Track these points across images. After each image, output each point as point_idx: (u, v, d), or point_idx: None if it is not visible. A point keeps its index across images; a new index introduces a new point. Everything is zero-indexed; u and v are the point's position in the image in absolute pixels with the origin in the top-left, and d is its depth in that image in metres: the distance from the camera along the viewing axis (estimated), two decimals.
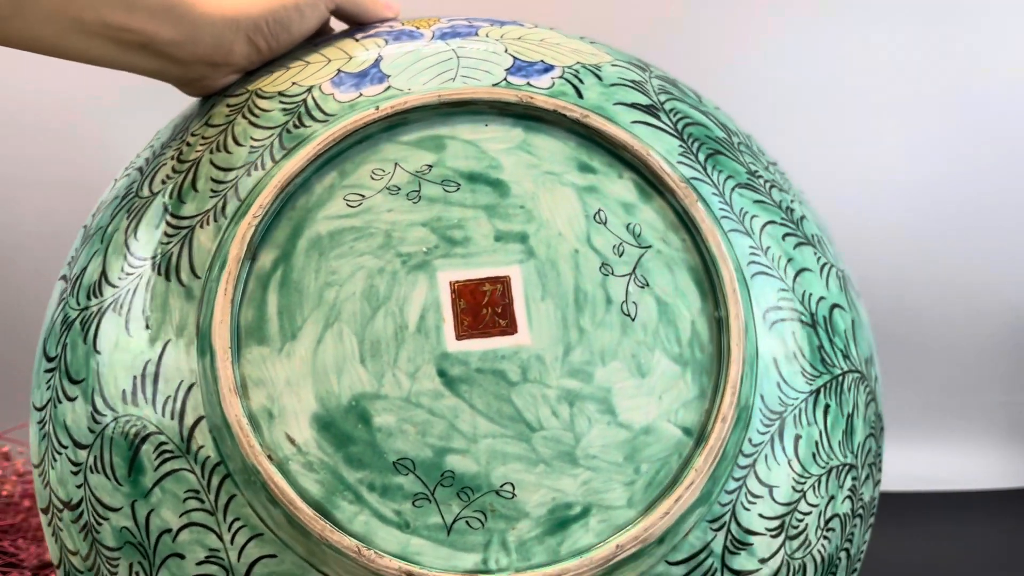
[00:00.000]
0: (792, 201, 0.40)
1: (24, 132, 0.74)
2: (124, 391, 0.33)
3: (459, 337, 0.34)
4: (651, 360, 0.34)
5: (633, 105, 0.39)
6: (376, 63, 0.39)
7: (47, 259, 0.71)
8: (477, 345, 0.34)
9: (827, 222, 0.44)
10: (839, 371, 0.37)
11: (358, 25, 0.43)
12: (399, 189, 0.36)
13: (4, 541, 0.53)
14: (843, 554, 0.37)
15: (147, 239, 0.36)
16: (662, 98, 0.40)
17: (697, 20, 0.73)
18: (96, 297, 0.35)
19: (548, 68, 0.39)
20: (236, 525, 0.32)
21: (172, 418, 0.33)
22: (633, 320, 0.34)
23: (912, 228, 0.72)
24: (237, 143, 0.37)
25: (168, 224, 0.36)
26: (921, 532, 0.56)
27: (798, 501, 0.35)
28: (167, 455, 0.32)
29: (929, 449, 0.69)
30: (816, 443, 0.35)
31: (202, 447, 0.32)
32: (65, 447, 0.34)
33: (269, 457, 0.32)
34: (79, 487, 0.34)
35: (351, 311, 0.34)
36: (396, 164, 0.36)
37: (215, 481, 0.32)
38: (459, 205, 0.35)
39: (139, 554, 0.32)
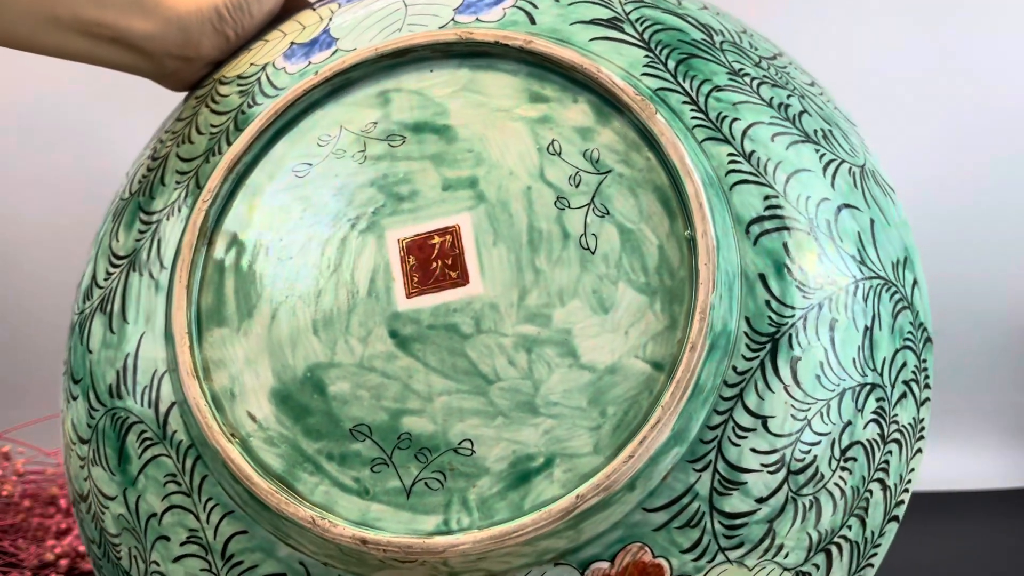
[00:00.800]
0: (789, 96, 0.36)
1: (24, 130, 0.73)
2: (110, 386, 0.35)
3: (409, 295, 0.33)
4: (614, 294, 0.31)
5: (593, 21, 0.36)
6: (326, 29, 0.38)
7: (48, 261, 0.73)
8: (428, 301, 0.32)
9: (847, 114, 0.38)
10: (849, 279, 0.33)
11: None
12: (345, 152, 0.35)
13: (4, 541, 0.52)
14: (875, 485, 0.32)
15: (125, 239, 0.37)
16: (628, 8, 0.36)
17: None
18: (88, 300, 0.37)
19: (499, 0, 0.37)
20: (210, 504, 0.32)
21: (150, 406, 0.34)
22: (593, 253, 0.32)
23: (913, 228, 0.65)
24: (199, 132, 0.38)
25: (141, 221, 0.37)
26: (921, 532, 0.52)
27: (801, 431, 0.31)
28: (148, 442, 0.34)
29: (929, 449, 0.62)
30: (821, 364, 0.31)
31: (176, 431, 0.33)
32: (74, 444, 0.36)
33: (232, 435, 0.32)
34: (86, 480, 0.36)
35: (304, 284, 0.33)
36: (341, 127, 0.35)
37: (188, 463, 0.33)
38: (405, 159, 0.34)
39: (134, 539, 0.34)
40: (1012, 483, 0.68)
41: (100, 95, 0.72)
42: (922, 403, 0.34)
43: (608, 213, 0.32)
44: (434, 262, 0.33)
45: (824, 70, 0.67)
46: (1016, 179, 0.70)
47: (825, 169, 0.34)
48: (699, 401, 0.30)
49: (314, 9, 0.40)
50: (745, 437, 0.31)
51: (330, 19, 0.39)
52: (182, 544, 0.33)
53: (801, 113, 0.35)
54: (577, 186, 0.33)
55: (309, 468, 0.32)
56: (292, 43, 0.39)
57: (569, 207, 0.33)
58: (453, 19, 0.37)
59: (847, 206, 0.34)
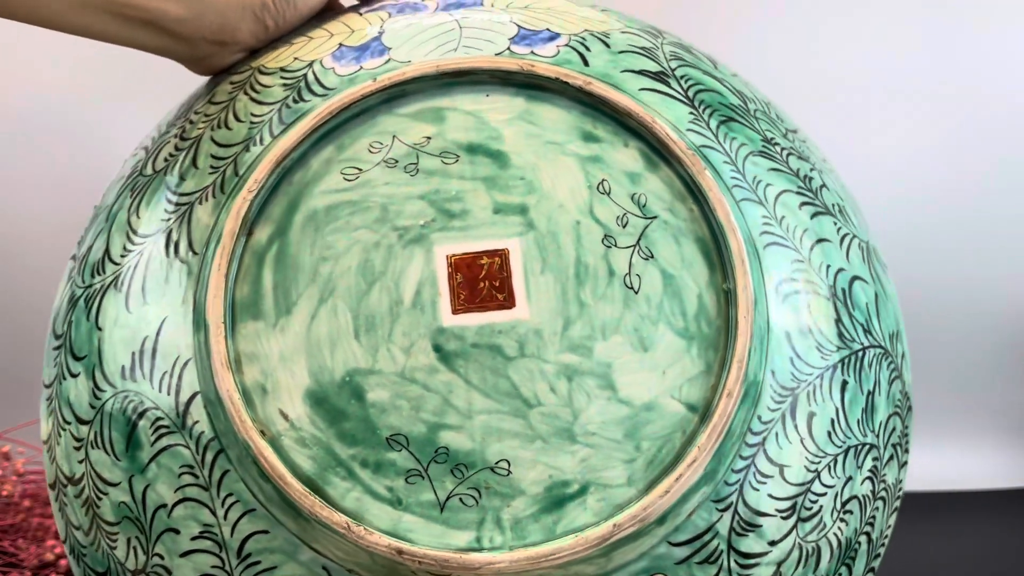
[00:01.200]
0: (812, 170, 0.38)
1: (25, 129, 0.73)
2: (123, 367, 0.34)
3: (455, 311, 0.33)
4: (654, 334, 0.33)
5: (642, 72, 0.37)
6: (378, 36, 0.38)
7: (48, 261, 0.70)
8: (473, 320, 0.33)
9: (853, 193, 0.42)
10: (859, 346, 0.35)
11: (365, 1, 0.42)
12: (396, 162, 0.35)
13: (4, 541, 0.53)
14: (863, 538, 0.35)
15: (149, 217, 0.36)
16: (673, 64, 0.38)
17: (698, 20, 0.72)
18: (99, 275, 0.36)
19: (553, 36, 0.38)
20: (229, 501, 0.32)
21: (168, 393, 0.33)
22: (636, 293, 0.33)
23: (913, 227, 0.71)
24: (237, 119, 0.37)
25: (168, 201, 0.36)
26: (921, 532, 0.55)
27: (812, 481, 0.33)
28: (163, 430, 0.33)
29: (929, 449, 0.67)
30: (832, 421, 0.34)
31: (197, 422, 0.32)
32: (69, 423, 0.35)
33: (262, 432, 0.31)
34: (81, 462, 0.34)
35: (346, 286, 0.33)
36: (394, 136, 0.35)
37: (209, 456, 0.32)
38: (457, 177, 0.35)
39: (136, 529, 0.33)
40: (1012, 483, 0.67)
41: (100, 94, 0.70)
42: (902, 465, 0.37)
43: (652, 256, 0.34)
44: (482, 282, 0.34)
45: (824, 70, 0.70)
46: (1017, 180, 0.70)
47: (841, 241, 0.37)
48: (729, 445, 0.32)
49: (361, 14, 0.40)
50: (764, 483, 0.33)
51: (381, 27, 0.39)
52: (193, 539, 0.32)
53: (822, 187, 0.38)
54: (624, 227, 0.34)
55: (341, 473, 0.32)
56: (341, 44, 0.38)
57: (616, 246, 0.34)
58: (509, 48, 0.37)
59: (858, 278, 0.37)
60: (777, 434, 0.33)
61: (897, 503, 0.37)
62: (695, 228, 0.35)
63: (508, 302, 0.33)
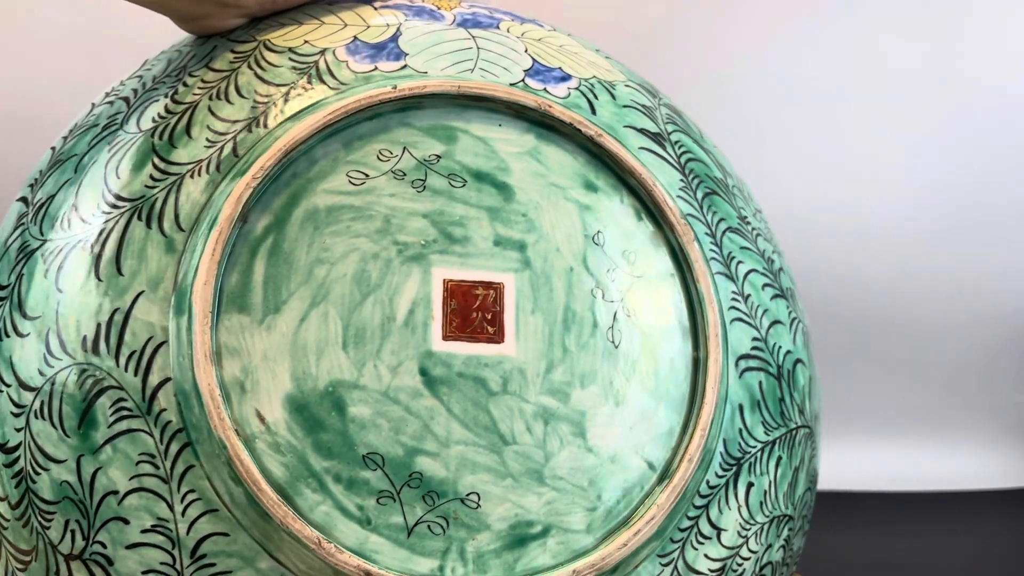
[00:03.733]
0: (774, 252, 0.41)
1: (25, 128, 0.68)
2: (85, 337, 0.31)
3: (445, 337, 0.33)
4: (627, 390, 0.34)
5: (642, 131, 0.39)
6: (394, 37, 0.38)
7: None
8: (462, 348, 0.33)
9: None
10: (794, 425, 0.38)
11: None
12: (404, 175, 0.34)
13: None
14: None
15: (130, 179, 0.33)
16: (668, 128, 0.40)
17: (699, 21, 0.72)
18: (64, 230, 0.33)
19: (565, 77, 0.39)
20: (190, 497, 0.30)
21: (136, 375, 0.31)
22: (616, 348, 0.35)
23: (914, 228, 0.71)
24: (240, 94, 0.35)
25: (155, 167, 0.34)
26: (921, 532, 0.54)
27: (741, 546, 0.36)
28: (124, 413, 0.31)
29: (929, 449, 0.68)
30: (765, 492, 0.37)
31: (164, 410, 0.31)
32: (8, 385, 0.32)
33: (236, 432, 0.30)
34: (19, 430, 0.31)
35: (340, 293, 0.32)
36: (405, 148, 0.35)
37: (174, 448, 0.30)
38: (463, 202, 0.35)
39: (78, 512, 0.31)
40: (1012, 483, 0.66)
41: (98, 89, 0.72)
42: (804, 535, 0.41)
43: (634, 315, 0.35)
44: (475, 312, 0.34)
45: (824, 70, 0.70)
46: (1016, 179, 0.70)
47: (791, 324, 0.40)
48: (682, 506, 0.34)
49: (375, 8, 0.39)
50: (703, 543, 0.35)
51: (398, 29, 0.38)
52: (144, 531, 0.30)
53: (780, 270, 0.41)
54: (613, 281, 0.36)
55: (313, 485, 0.31)
56: (355, 38, 0.37)
57: (603, 298, 0.35)
58: (524, 80, 0.38)
59: (800, 361, 0.40)
60: (720, 500, 0.35)
61: (793, 568, 0.41)
62: (674, 292, 0.36)
63: (497, 336, 0.34)
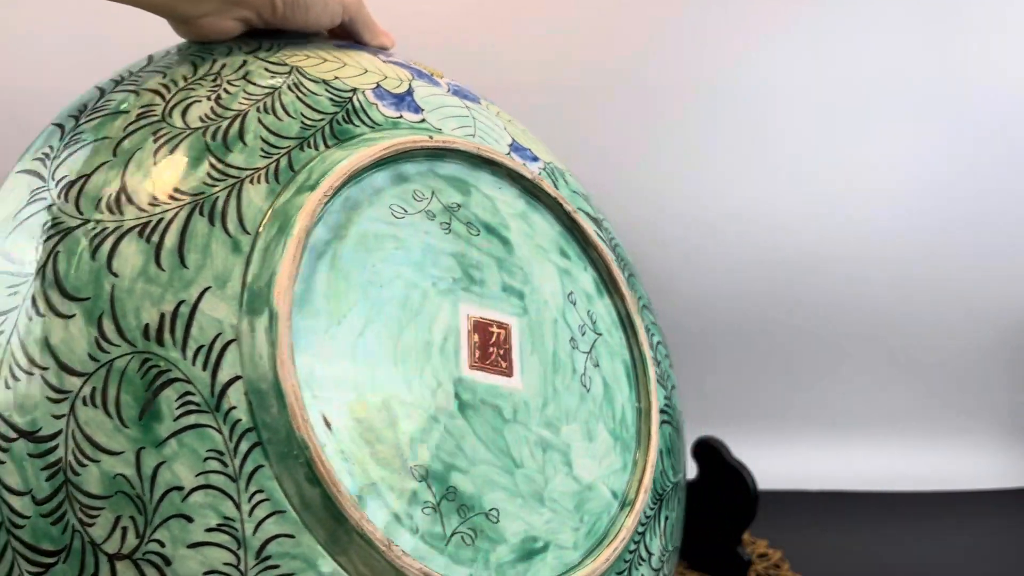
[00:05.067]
0: (655, 325, 0.49)
1: (26, 129, 0.66)
2: (148, 326, 0.30)
3: (471, 366, 0.36)
4: (596, 429, 0.40)
5: (587, 214, 0.45)
6: (410, 92, 0.41)
7: None
8: (483, 378, 0.37)
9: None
10: (682, 472, 0.46)
11: (356, 43, 0.44)
12: (434, 216, 0.38)
13: None
14: None
15: (186, 174, 0.33)
16: (599, 216, 0.47)
17: (699, 23, 0.72)
18: (112, 213, 0.31)
19: (536, 158, 0.45)
20: (258, 497, 0.30)
21: (204, 369, 0.30)
22: (588, 392, 0.40)
23: (914, 228, 0.72)
24: (287, 113, 0.36)
25: (213, 167, 0.33)
26: (921, 532, 0.55)
27: (660, 570, 0.42)
28: (192, 407, 0.30)
29: (929, 449, 0.68)
30: (673, 527, 0.44)
31: (234, 408, 0.30)
32: (43, 368, 0.29)
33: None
34: (59, 417, 0.29)
35: (390, 314, 0.34)
36: (433, 193, 0.38)
37: (244, 447, 0.30)
38: (477, 249, 0.39)
39: (134, 507, 0.28)
40: (1012, 483, 0.66)
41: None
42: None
43: (599, 365, 0.41)
44: (491, 347, 0.38)
45: (825, 70, 0.69)
46: (1016, 180, 0.70)
47: (672, 388, 0.48)
48: (637, 530, 0.40)
49: (383, 61, 0.42)
50: (640, 565, 0.41)
51: (410, 85, 0.41)
52: (208, 530, 0.29)
53: (660, 342, 0.49)
54: (583, 335, 0.41)
55: (372, 492, 0.32)
56: (378, 84, 0.40)
57: (577, 349, 0.41)
58: (509, 153, 0.43)
59: (677, 420, 0.48)
60: (651, 529, 0.42)
61: None
62: (623, 352, 0.43)
63: (508, 371, 0.38)
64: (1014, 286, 0.70)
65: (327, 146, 0.36)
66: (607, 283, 0.43)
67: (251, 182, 0.34)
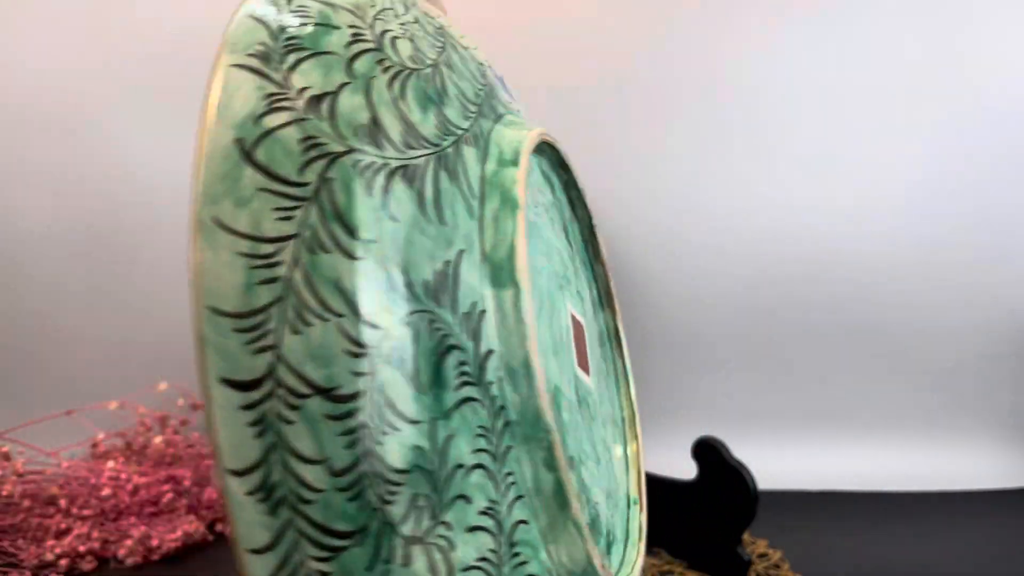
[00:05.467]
0: None
1: (28, 129, 0.71)
2: (427, 283, 0.27)
3: (577, 363, 0.38)
4: (615, 437, 0.43)
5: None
6: (500, 78, 0.41)
7: (50, 261, 0.69)
8: (581, 374, 0.38)
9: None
10: None
11: None
12: (547, 211, 0.38)
13: (4, 541, 0.53)
14: None
15: (422, 120, 0.30)
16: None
17: (699, 23, 0.71)
18: (373, 148, 0.27)
19: None
20: (509, 480, 0.28)
21: (470, 338, 0.28)
22: (610, 404, 0.43)
23: (914, 229, 0.72)
24: (463, 76, 0.34)
25: (437, 119, 0.31)
26: (921, 532, 0.54)
27: None
28: (466, 378, 0.27)
29: (929, 449, 0.68)
30: None
31: (492, 383, 0.28)
32: (339, 315, 0.24)
33: None
34: (358, 375, 0.24)
35: (548, 304, 0.35)
36: (550, 187, 0.39)
37: (499, 424, 0.28)
38: (566, 247, 0.40)
39: (429, 485, 0.25)
40: (1012, 483, 0.66)
41: (102, 92, 0.70)
42: None
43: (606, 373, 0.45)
44: (580, 346, 0.39)
45: (825, 71, 0.69)
46: (1016, 180, 0.69)
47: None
48: None
49: None
50: None
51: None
52: (480, 513, 0.26)
53: None
54: (601, 345, 0.44)
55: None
56: (491, 67, 0.39)
57: (600, 357, 0.44)
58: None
59: None
60: None
61: None
62: (616, 364, 0.46)
63: (587, 368, 0.39)
64: (1015, 287, 0.69)
65: (490, 120, 0.35)
66: (604, 298, 0.47)
67: (465, 143, 0.31)
